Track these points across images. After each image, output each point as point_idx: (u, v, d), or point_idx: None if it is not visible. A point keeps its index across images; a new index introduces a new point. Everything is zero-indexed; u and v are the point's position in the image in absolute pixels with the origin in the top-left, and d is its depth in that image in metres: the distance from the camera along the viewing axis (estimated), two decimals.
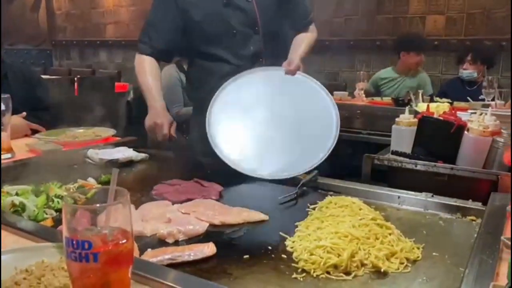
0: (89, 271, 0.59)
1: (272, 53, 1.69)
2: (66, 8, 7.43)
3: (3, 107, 1.63)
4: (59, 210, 1.16)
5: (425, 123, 1.75)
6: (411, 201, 1.26)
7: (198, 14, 1.67)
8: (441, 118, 1.74)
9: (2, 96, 1.64)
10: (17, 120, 2.03)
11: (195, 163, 1.68)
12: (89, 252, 0.57)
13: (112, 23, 6.95)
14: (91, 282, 0.60)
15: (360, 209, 1.07)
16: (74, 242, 0.58)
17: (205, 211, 1.16)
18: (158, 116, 1.63)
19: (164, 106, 1.69)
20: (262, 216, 1.16)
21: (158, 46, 1.74)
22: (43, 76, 4.00)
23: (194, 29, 1.70)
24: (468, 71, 3.71)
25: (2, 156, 1.62)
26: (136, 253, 0.89)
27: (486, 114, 1.69)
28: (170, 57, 1.89)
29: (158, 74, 1.76)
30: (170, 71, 3.67)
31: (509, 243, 0.90)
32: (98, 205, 0.62)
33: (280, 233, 1.04)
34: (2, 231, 1.02)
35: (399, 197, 1.27)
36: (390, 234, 0.98)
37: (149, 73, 1.72)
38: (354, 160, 1.94)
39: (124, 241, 0.61)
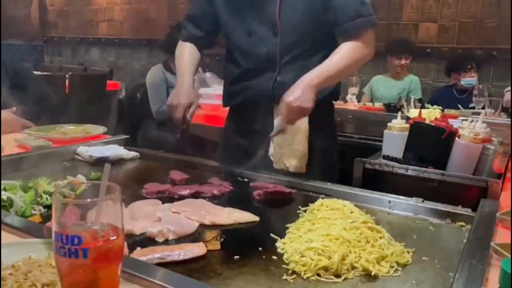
0: (78, 267, 0.58)
1: (295, 60, 1.51)
2: (59, 4, 7.38)
3: None
4: (47, 206, 1.15)
5: (417, 128, 1.76)
6: (401, 206, 1.26)
7: (222, 7, 1.60)
8: (432, 124, 1.75)
9: None
10: (6, 115, 2.01)
11: (187, 162, 1.67)
12: (79, 247, 0.56)
13: (105, 21, 6.90)
14: (79, 279, 0.59)
15: (352, 212, 1.07)
16: (63, 237, 0.57)
17: (196, 210, 1.15)
18: (178, 96, 1.57)
19: (189, 84, 1.61)
20: (253, 217, 1.15)
21: (196, 34, 1.72)
22: (34, 72, 3.96)
23: (220, 23, 1.64)
24: (475, 79, 3.75)
25: None
26: (125, 251, 0.88)
27: (477, 121, 1.70)
28: (210, 45, 1.78)
29: (194, 56, 1.71)
30: (156, 70, 3.66)
31: (499, 249, 0.90)
32: (88, 200, 0.61)
33: (271, 234, 1.03)
34: None
35: (389, 201, 1.28)
36: (380, 237, 0.98)
37: (185, 54, 1.70)
38: (345, 164, 1.94)
39: (115, 237, 0.60)
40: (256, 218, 1.15)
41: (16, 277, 0.70)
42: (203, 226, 1.09)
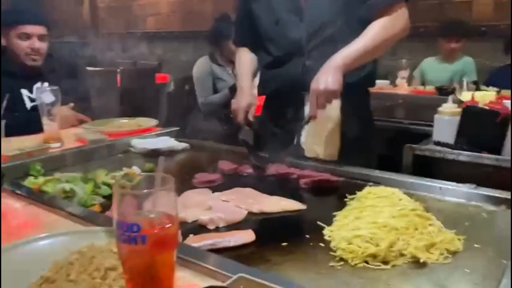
0: (137, 252, 0.62)
1: (323, 44, 1.51)
2: (108, 1, 7.64)
3: (53, 99, 1.72)
4: (106, 197, 1.22)
5: (469, 112, 1.70)
6: (453, 192, 1.23)
7: (253, 2, 1.67)
8: (486, 107, 1.68)
9: (52, 88, 1.73)
10: (65, 111, 2.13)
11: (234, 152, 1.70)
12: (138, 234, 0.61)
13: (153, 15, 7.08)
14: (139, 263, 0.63)
15: (400, 200, 1.06)
16: (124, 225, 0.61)
17: (244, 199, 1.19)
18: (238, 100, 1.66)
19: (247, 87, 1.69)
20: (299, 206, 1.17)
21: (244, 37, 1.80)
22: (88, 68, 4.15)
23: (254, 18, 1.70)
24: None
25: (52, 145, 1.71)
26: (179, 238, 0.93)
27: None
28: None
29: (249, 60, 1.79)
30: (202, 62, 3.69)
31: None
32: (146, 190, 0.65)
33: (318, 222, 1.05)
34: (54, 215, 1.09)
35: (440, 188, 1.25)
36: (430, 225, 0.97)
37: (242, 59, 1.80)
38: (394, 150, 1.91)
39: (170, 225, 0.64)
40: (303, 206, 1.17)
41: (81, 262, 0.76)
42: (251, 214, 1.12)
